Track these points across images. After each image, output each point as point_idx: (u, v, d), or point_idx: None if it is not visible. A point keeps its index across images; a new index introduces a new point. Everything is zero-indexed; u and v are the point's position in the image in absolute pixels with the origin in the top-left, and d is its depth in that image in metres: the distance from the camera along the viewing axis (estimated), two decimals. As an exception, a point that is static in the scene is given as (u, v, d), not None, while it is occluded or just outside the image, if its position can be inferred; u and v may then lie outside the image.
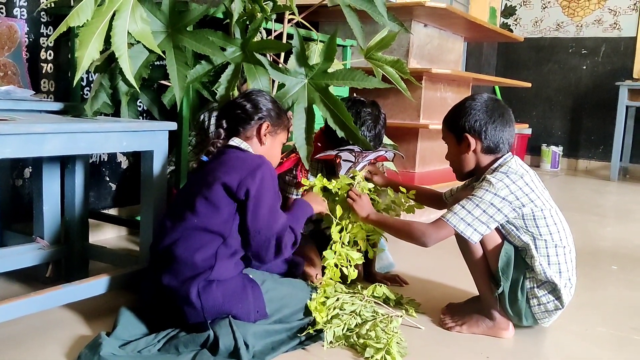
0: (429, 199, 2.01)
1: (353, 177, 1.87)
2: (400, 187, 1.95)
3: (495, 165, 1.67)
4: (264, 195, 1.49)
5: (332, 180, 1.84)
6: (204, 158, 1.62)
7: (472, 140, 1.68)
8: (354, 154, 1.84)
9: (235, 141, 1.61)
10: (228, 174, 1.49)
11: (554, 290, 1.61)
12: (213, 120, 2.23)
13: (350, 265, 1.75)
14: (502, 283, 1.60)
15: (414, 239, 1.64)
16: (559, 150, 6.10)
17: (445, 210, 1.67)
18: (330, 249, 1.74)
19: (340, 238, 1.76)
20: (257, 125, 1.64)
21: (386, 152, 1.94)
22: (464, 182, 1.85)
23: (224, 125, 1.65)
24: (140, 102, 2.15)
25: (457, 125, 1.71)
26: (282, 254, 1.53)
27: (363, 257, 1.81)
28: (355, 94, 2.05)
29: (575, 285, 1.67)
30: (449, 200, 1.90)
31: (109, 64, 1.76)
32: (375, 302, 1.74)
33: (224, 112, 1.68)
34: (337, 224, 1.78)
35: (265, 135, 1.64)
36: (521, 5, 6.46)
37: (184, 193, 1.59)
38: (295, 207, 1.68)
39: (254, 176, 1.48)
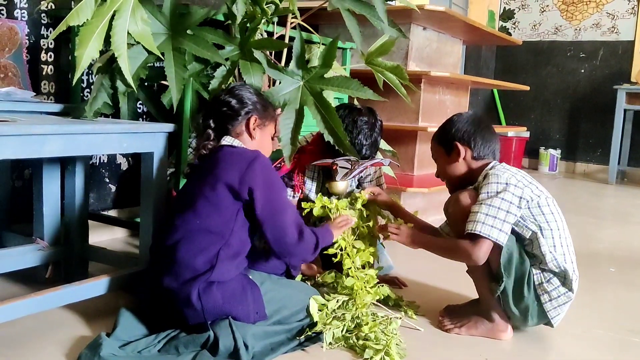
0: (425, 232, 1.99)
1: (355, 199, 1.87)
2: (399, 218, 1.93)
3: (485, 170, 1.69)
4: (267, 183, 1.51)
5: (332, 199, 1.84)
6: (197, 162, 1.60)
7: (462, 148, 1.72)
8: (350, 162, 1.84)
9: (227, 140, 1.60)
10: (227, 172, 1.49)
11: (564, 281, 1.60)
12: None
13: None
14: (504, 279, 1.60)
15: (462, 260, 1.64)
16: (557, 153, 6.11)
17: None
18: (348, 276, 1.73)
19: (352, 263, 1.74)
20: (245, 120, 1.62)
21: (382, 159, 1.96)
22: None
23: (212, 125, 1.62)
24: (140, 103, 2.15)
25: (446, 137, 1.76)
26: (304, 238, 1.53)
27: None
28: (356, 100, 2.05)
29: (578, 277, 1.66)
30: (445, 231, 1.88)
31: (110, 65, 1.77)
32: (374, 304, 1.74)
33: (209, 111, 1.65)
34: (342, 250, 1.75)
35: (254, 129, 1.63)
36: (520, 9, 6.48)
37: (184, 194, 1.59)
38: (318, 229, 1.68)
39: (252, 169, 1.49)
